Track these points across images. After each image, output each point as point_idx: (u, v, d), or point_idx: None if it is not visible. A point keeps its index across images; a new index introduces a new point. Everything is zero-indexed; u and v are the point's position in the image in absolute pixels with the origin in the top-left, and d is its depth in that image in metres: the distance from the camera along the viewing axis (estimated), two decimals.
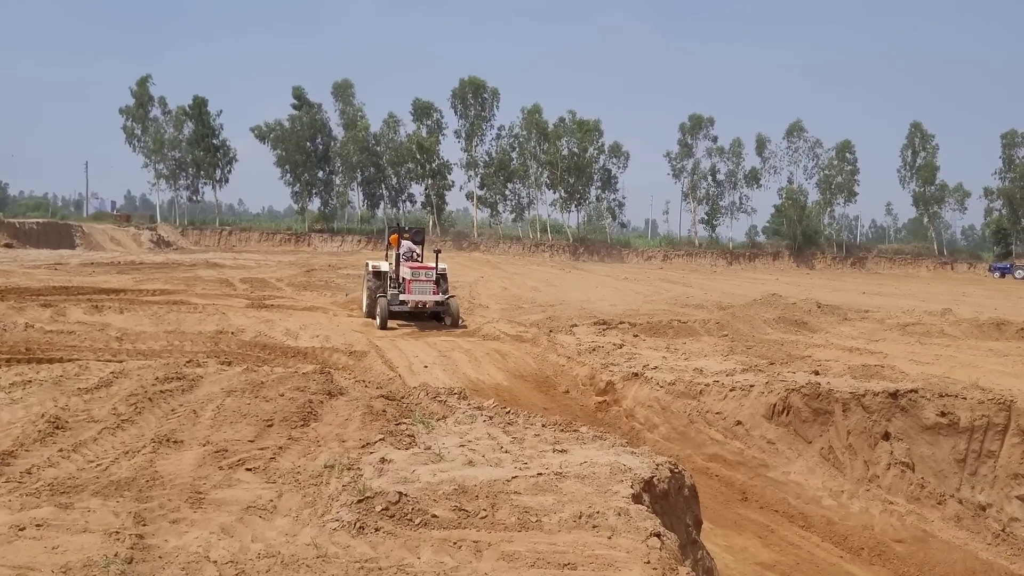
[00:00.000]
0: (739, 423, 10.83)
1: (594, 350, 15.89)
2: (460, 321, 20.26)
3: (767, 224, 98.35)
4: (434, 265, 20.45)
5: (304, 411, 8.53)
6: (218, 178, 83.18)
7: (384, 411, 8.50)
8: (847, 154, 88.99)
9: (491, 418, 8.13)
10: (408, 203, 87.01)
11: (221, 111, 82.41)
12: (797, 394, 10.37)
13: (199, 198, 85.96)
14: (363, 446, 7.05)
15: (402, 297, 19.50)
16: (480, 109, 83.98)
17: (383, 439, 7.04)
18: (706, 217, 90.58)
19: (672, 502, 6.44)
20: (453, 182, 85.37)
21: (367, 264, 22.03)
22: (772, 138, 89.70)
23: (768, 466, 10.29)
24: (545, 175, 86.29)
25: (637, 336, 18.29)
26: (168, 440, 7.29)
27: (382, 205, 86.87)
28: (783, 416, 10.44)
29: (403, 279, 19.90)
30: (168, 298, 23.78)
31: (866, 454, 9.77)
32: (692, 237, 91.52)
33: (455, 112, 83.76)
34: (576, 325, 19.99)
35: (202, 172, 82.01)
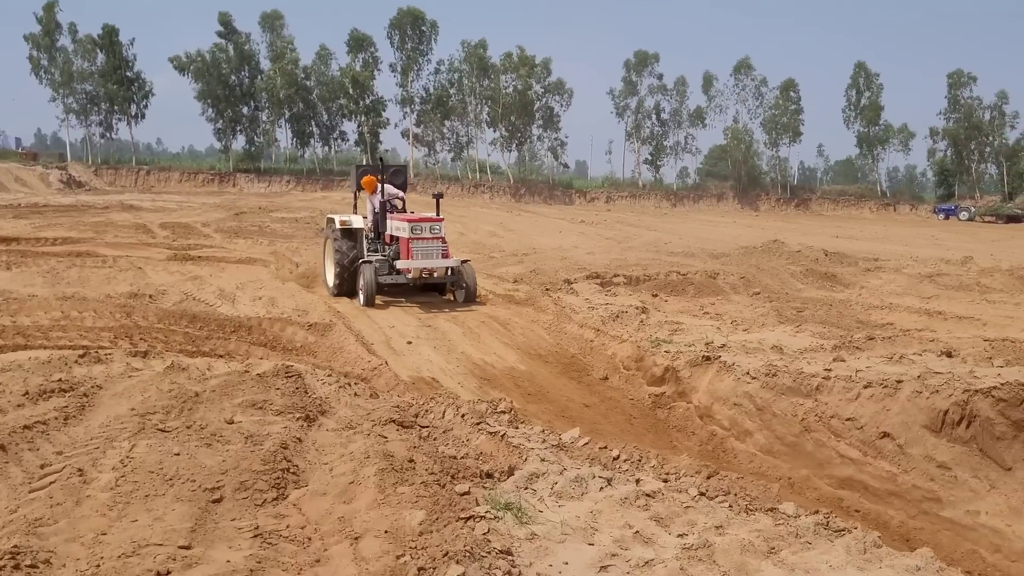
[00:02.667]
0: (886, 435, 7.68)
1: (617, 316, 12.59)
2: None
3: (700, 165, 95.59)
4: (438, 216, 14.59)
5: (274, 464, 5.01)
6: (134, 114, 76.71)
7: (411, 462, 5.02)
8: (791, 93, 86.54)
9: (609, 482, 4.72)
10: (340, 141, 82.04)
11: (134, 39, 75.68)
12: (987, 399, 7.22)
13: (114, 135, 79.41)
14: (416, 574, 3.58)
15: (400, 264, 13.80)
16: (418, 42, 79.01)
17: (459, 567, 3.55)
18: (650, 157, 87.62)
19: None
20: (388, 119, 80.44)
21: (331, 220, 15.84)
22: (719, 76, 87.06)
23: (941, 501, 7.18)
24: (485, 112, 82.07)
25: (656, 296, 15.01)
26: (18, 563, 3.72)
27: (312, 143, 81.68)
28: (961, 429, 7.30)
29: (396, 238, 14.45)
30: (72, 248, 19.68)
31: None
32: (636, 178, 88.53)
33: (391, 44, 78.68)
34: (572, 281, 16.62)
35: (116, 107, 75.47)
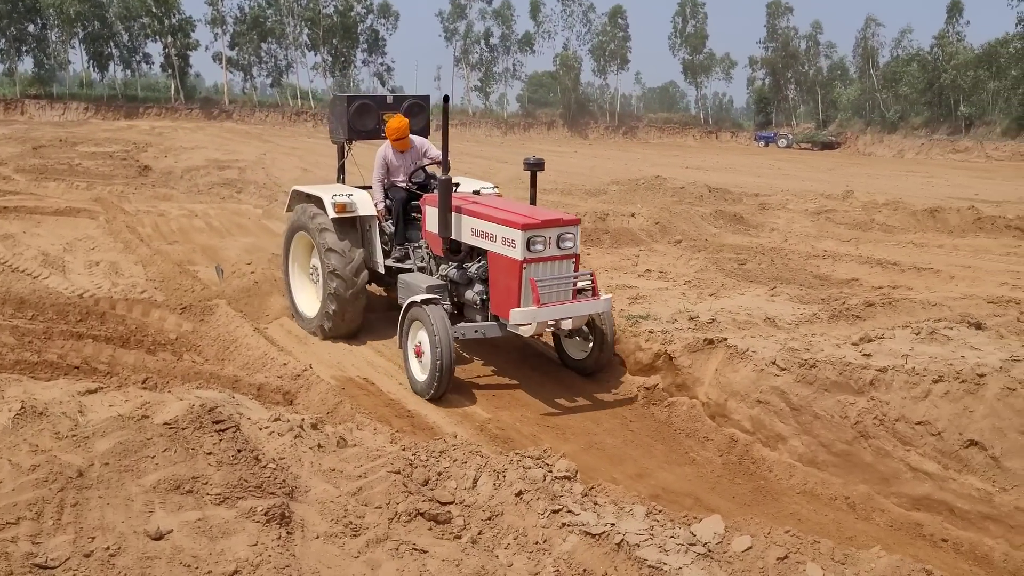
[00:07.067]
0: (973, 443, 6.27)
1: None
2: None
3: (521, 93, 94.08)
4: (561, 214, 7.81)
5: None
6: None
7: None
8: (619, 20, 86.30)
9: None
10: (144, 64, 74.93)
11: None
12: None
13: None
14: None
15: (516, 316, 7.15)
16: None
17: None
18: (479, 84, 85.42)
19: None
20: (198, 41, 74.00)
21: (306, 196, 9.39)
22: (546, 1, 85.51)
23: None
24: (305, 35, 77.04)
25: None
26: None
27: (112, 66, 74.11)
28: None
29: (478, 252, 7.98)
30: None
31: None
32: (466, 105, 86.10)
33: None
34: None
35: None
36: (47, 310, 8.63)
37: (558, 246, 7.42)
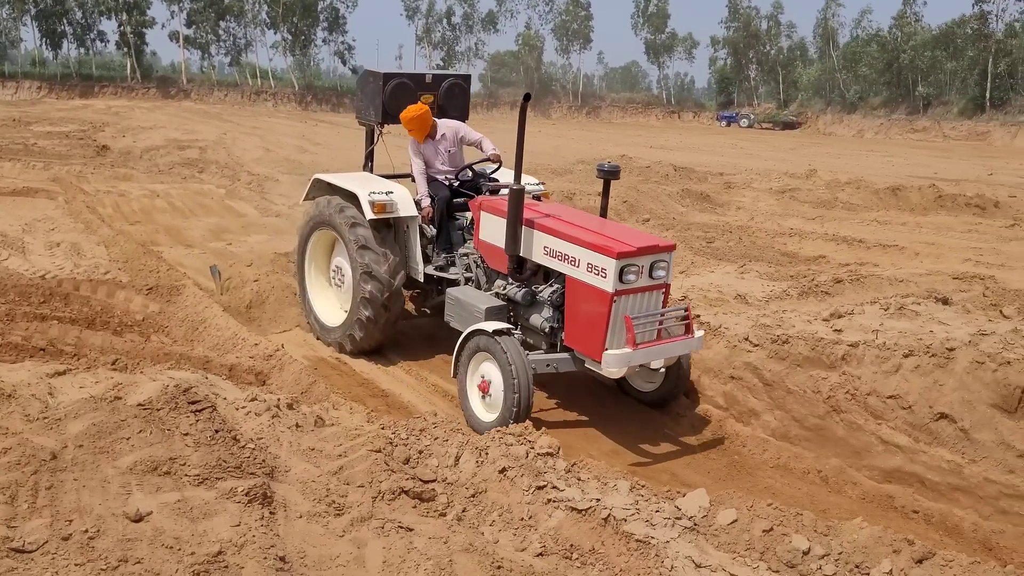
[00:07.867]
0: (943, 416, 6.36)
1: None
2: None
3: (484, 72, 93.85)
4: (656, 239, 6.70)
5: None
6: None
7: None
8: None
9: None
10: (99, 43, 73.49)
11: None
12: None
13: None
14: None
15: (608, 360, 6.04)
16: None
17: None
18: (442, 63, 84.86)
19: None
20: (154, 19, 72.67)
21: (333, 189, 8.09)
22: None
23: None
24: (264, 13, 75.96)
25: None
26: None
27: (65, 44, 72.51)
28: None
29: (550, 275, 6.90)
30: None
31: None
32: None
33: None
34: None
35: None
36: (8, 292, 8.42)
37: (650, 275, 6.31)
